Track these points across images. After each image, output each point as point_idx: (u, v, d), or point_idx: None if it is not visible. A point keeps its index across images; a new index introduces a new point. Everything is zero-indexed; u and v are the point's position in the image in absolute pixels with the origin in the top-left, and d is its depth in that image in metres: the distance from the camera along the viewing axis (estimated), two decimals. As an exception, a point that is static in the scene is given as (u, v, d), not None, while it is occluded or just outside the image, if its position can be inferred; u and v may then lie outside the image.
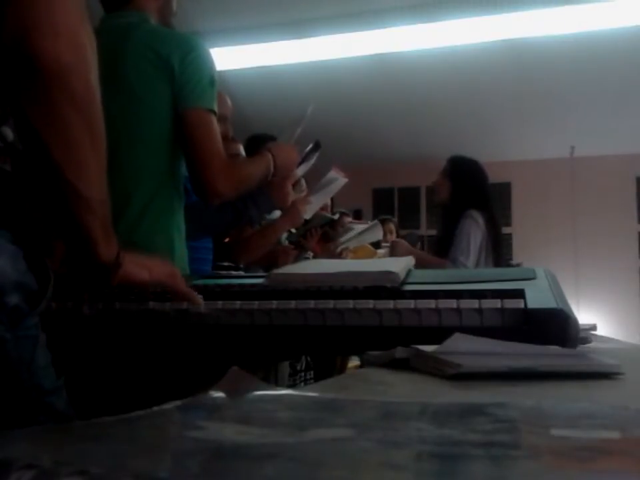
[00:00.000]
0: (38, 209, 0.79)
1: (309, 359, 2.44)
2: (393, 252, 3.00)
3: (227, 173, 1.27)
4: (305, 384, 2.38)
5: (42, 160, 0.71)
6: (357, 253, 2.92)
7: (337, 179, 2.19)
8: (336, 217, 3.15)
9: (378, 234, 2.90)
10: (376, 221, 3.00)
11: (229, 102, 1.92)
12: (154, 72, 1.25)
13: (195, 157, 1.26)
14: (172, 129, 1.27)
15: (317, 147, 1.77)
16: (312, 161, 1.78)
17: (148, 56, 1.25)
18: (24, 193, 0.75)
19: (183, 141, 1.27)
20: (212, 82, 1.28)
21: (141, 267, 0.87)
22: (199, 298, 0.98)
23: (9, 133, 0.73)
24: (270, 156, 1.43)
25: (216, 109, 1.28)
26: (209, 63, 1.30)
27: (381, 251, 3.12)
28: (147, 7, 1.34)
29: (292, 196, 1.79)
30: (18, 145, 0.74)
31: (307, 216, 2.14)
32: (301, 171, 1.77)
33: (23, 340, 0.73)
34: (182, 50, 1.26)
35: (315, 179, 2.22)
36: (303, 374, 2.44)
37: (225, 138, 1.76)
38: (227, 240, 2.07)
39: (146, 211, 1.26)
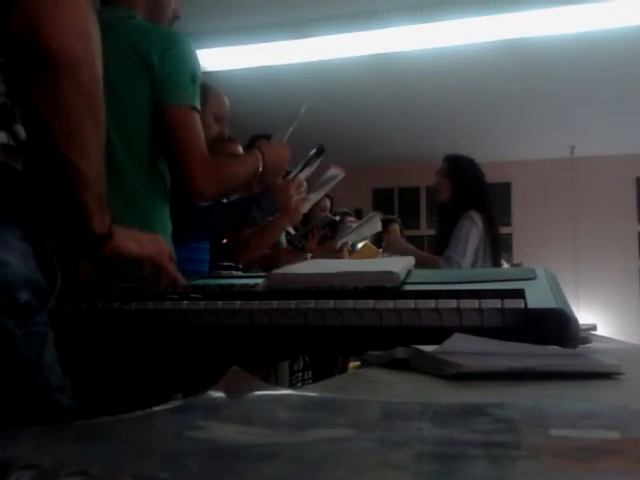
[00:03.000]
0: (47, 207, 0.80)
1: (306, 358, 2.44)
2: (387, 247, 3.00)
3: (209, 171, 1.26)
4: (303, 384, 2.38)
5: (45, 141, 0.74)
6: (360, 253, 2.92)
7: (337, 175, 2.19)
8: (337, 217, 3.14)
9: (377, 226, 2.89)
10: (374, 213, 2.99)
11: (226, 101, 1.92)
12: (134, 68, 1.24)
13: (176, 155, 1.25)
14: (153, 126, 1.25)
15: (320, 151, 1.77)
16: (315, 165, 1.78)
17: (128, 52, 1.24)
18: (35, 191, 0.76)
19: (164, 139, 1.26)
20: (193, 78, 1.26)
21: (131, 241, 0.96)
22: (182, 278, 1.06)
23: (22, 132, 0.74)
24: (259, 154, 1.42)
25: (198, 105, 1.27)
26: (191, 59, 1.28)
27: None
28: (135, 4, 1.34)
29: (295, 199, 1.79)
30: (29, 143, 0.75)
31: (304, 210, 2.14)
32: (303, 174, 1.77)
33: (33, 336, 0.74)
34: (162, 46, 1.24)
35: (314, 177, 2.22)
36: (300, 374, 2.44)
37: (222, 138, 1.75)
38: (224, 241, 2.06)
39: (128, 208, 1.25)
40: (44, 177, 0.79)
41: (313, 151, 1.76)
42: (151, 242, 1.02)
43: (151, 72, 1.23)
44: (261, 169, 1.42)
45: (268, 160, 1.43)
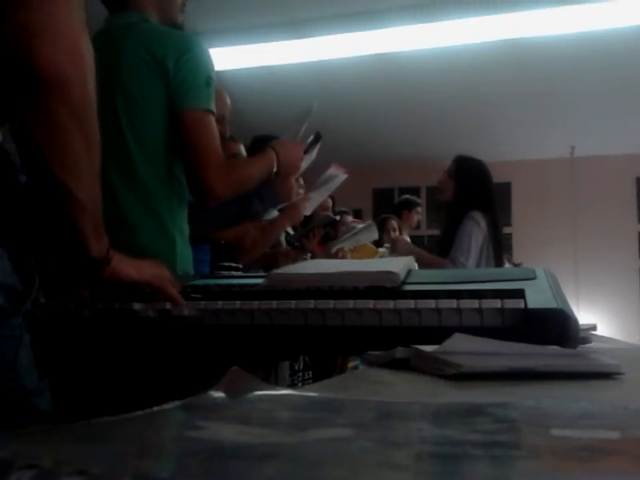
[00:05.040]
0: (26, 212, 0.79)
1: (307, 358, 2.44)
2: (394, 249, 3.01)
3: (224, 174, 1.26)
4: (304, 384, 2.37)
5: (37, 163, 0.73)
6: (358, 252, 2.92)
7: (337, 176, 2.18)
8: (337, 217, 3.14)
9: (373, 234, 2.89)
10: (371, 222, 3.00)
11: (228, 101, 1.91)
12: (149, 73, 1.24)
13: (192, 158, 1.25)
14: (169, 130, 1.26)
15: (317, 139, 1.75)
16: (313, 153, 1.76)
17: (143, 57, 1.24)
18: (11, 196, 0.75)
19: (180, 142, 1.26)
20: (208, 82, 1.26)
21: (130, 266, 0.93)
22: (183, 301, 1.02)
23: None
24: (273, 154, 1.41)
25: (213, 108, 1.27)
26: (205, 62, 1.28)
27: (382, 250, 3.12)
28: (147, 6, 1.34)
29: (296, 190, 1.78)
30: (7, 148, 0.74)
31: (307, 212, 2.13)
32: (303, 165, 1.76)
33: (7, 340, 0.74)
34: (177, 50, 1.25)
35: (314, 177, 2.22)
36: (301, 374, 2.44)
37: (222, 138, 1.75)
38: (223, 242, 2.06)
39: (145, 212, 1.26)
40: (37, 199, 0.78)
41: (310, 138, 1.75)
42: (150, 267, 1.00)
43: (166, 76, 1.23)
44: (275, 169, 1.41)
45: (282, 160, 1.42)
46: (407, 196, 4.64)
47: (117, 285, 0.96)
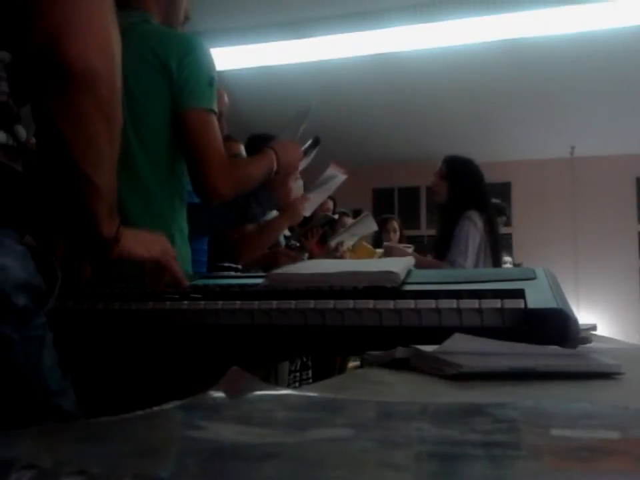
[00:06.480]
0: (47, 209, 0.80)
1: (304, 359, 2.44)
2: (389, 256, 3.00)
3: (228, 172, 1.27)
4: (301, 384, 2.37)
5: (59, 152, 0.75)
6: (357, 253, 2.92)
7: (336, 176, 2.19)
8: (336, 217, 3.14)
9: (371, 225, 2.90)
10: (366, 213, 3.00)
11: (226, 99, 1.92)
12: (152, 73, 1.25)
13: (195, 158, 1.27)
14: (171, 130, 1.27)
15: (316, 142, 1.76)
16: (311, 156, 1.77)
17: (146, 57, 1.25)
18: (34, 193, 0.76)
19: (183, 142, 1.27)
20: (211, 82, 1.28)
21: (138, 244, 0.96)
22: (186, 281, 1.06)
23: (22, 132, 0.73)
24: (273, 154, 1.42)
25: (216, 108, 1.28)
26: (208, 63, 1.29)
27: (380, 250, 3.12)
28: (150, 8, 1.34)
29: (294, 193, 1.79)
30: (30, 145, 0.75)
31: (307, 213, 2.13)
32: (300, 166, 1.76)
33: (31, 340, 0.73)
34: (180, 51, 1.25)
35: (313, 177, 2.22)
36: (297, 374, 2.43)
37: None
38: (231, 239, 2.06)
39: (146, 211, 1.26)
40: (52, 183, 0.79)
41: (309, 142, 1.76)
42: (156, 243, 1.02)
43: (169, 77, 1.24)
44: (275, 169, 1.42)
45: (282, 160, 1.43)
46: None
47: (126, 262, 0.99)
